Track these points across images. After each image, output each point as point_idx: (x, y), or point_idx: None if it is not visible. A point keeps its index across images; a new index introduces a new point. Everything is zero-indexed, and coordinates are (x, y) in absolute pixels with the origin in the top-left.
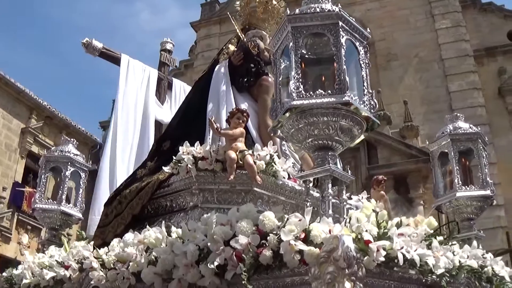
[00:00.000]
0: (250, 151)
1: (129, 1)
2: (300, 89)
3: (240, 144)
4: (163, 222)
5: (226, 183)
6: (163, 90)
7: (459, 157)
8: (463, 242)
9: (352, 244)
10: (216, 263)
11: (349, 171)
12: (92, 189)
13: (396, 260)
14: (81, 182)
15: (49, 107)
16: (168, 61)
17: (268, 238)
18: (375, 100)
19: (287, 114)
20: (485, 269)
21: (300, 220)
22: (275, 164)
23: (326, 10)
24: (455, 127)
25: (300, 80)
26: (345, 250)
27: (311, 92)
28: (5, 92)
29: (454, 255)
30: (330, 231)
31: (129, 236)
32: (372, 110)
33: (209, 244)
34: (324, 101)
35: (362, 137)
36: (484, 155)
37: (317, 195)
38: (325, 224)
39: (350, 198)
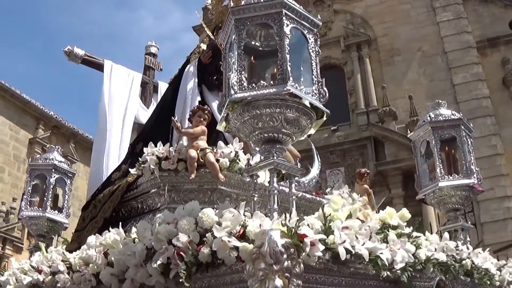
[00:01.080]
0: (213, 149)
1: (133, 7)
2: (243, 82)
3: (202, 142)
4: (134, 224)
5: (189, 182)
6: (148, 93)
7: (442, 146)
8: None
9: (280, 239)
10: (159, 262)
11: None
12: None
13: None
14: (66, 188)
15: (56, 117)
16: (153, 64)
17: (206, 235)
18: (324, 89)
19: (231, 108)
20: (463, 262)
21: (234, 215)
22: (240, 161)
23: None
24: (436, 114)
25: (243, 72)
26: (271, 245)
27: (253, 84)
28: (11, 103)
29: (419, 248)
30: (260, 226)
31: (92, 238)
32: (322, 99)
33: (153, 243)
34: (265, 92)
35: (317, 127)
36: (469, 142)
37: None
38: (257, 218)
39: (331, 193)
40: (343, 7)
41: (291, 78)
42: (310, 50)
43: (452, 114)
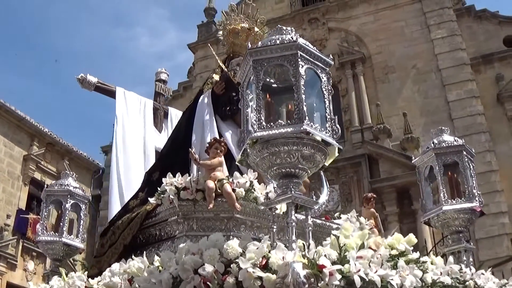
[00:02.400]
0: (230, 179)
1: (129, 25)
2: (261, 121)
3: (219, 173)
4: (152, 250)
5: (207, 211)
6: (159, 119)
7: (445, 170)
8: (453, 255)
9: (302, 270)
10: None
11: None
12: (95, 214)
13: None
14: (81, 214)
15: (51, 134)
16: (163, 90)
17: (231, 266)
18: (337, 126)
19: (250, 145)
20: (467, 283)
21: (257, 248)
22: (255, 190)
23: (286, 41)
24: (440, 140)
25: (261, 111)
26: (294, 277)
27: (271, 123)
28: (6, 120)
29: (426, 272)
30: (283, 258)
31: (116, 265)
32: (335, 136)
33: (179, 272)
34: (283, 131)
35: (330, 160)
36: (471, 167)
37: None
38: (280, 251)
39: (339, 217)
40: (337, 25)
41: (307, 118)
42: (323, 89)
43: (455, 140)
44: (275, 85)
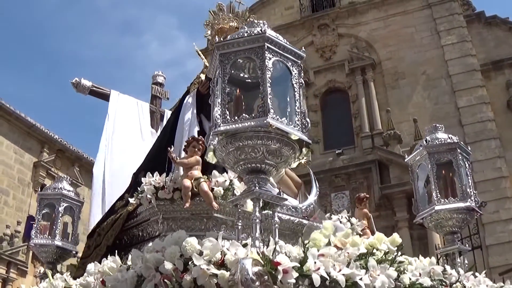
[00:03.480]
0: (207, 178)
1: (138, 33)
2: (226, 115)
3: (196, 172)
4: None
5: (184, 211)
6: (155, 122)
7: (439, 169)
8: (446, 257)
9: (251, 267)
10: None
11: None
12: None
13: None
14: (75, 217)
15: (61, 140)
16: (160, 93)
17: (189, 263)
18: (307, 120)
19: (216, 140)
20: (453, 286)
21: (212, 244)
22: (234, 189)
23: (254, 34)
24: (433, 138)
25: (226, 106)
26: (243, 273)
27: (235, 117)
28: (16, 126)
29: (402, 273)
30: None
31: (91, 266)
32: (304, 130)
33: (142, 270)
34: (246, 125)
35: (305, 156)
36: (467, 165)
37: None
38: (233, 248)
39: (330, 218)
40: (347, 31)
41: (271, 111)
42: (294, 82)
43: (449, 137)
44: (248, 80)
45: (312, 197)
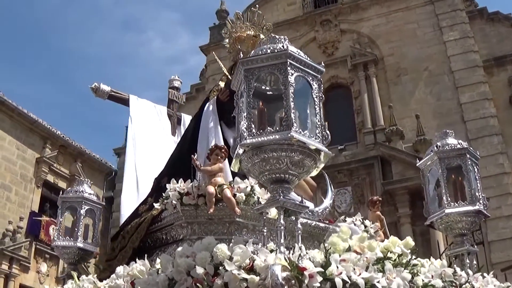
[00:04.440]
0: (231, 184)
1: (141, 30)
2: (252, 128)
3: (220, 179)
4: (159, 254)
5: (208, 215)
6: (173, 126)
7: (449, 173)
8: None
9: (280, 272)
10: None
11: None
12: (108, 216)
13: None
14: (96, 219)
15: (63, 136)
16: (177, 98)
17: (220, 268)
18: (327, 132)
19: (241, 151)
20: (463, 286)
21: (243, 250)
22: (255, 195)
23: (276, 50)
24: (443, 144)
25: (252, 119)
26: (273, 278)
27: (261, 130)
28: (18, 122)
29: (416, 275)
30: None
31: (120, 268)
32: (324, 142)
33: (174, 274)
34: (271, 138)
35: (322, 165)
36: (476, 170)
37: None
38: (263, 254)
39: (344, 221)
40: (350, 26)
41: (295, 125)
42: (314, 96)
43: (459, 143)
44: (270, 93)
45: (328, 201)
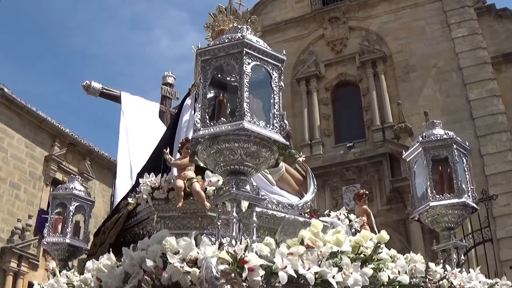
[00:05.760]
0: (201, 178)
1: (148, 28)
2: (206, 119)
3: (190, 173)
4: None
5: (179, 209)
6: (165, 122)
7: (436, 165)
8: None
9: (215, 265)
10: (131, 285)
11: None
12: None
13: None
14: (86, 215)
15: (72, 134)
16: (169, 94)
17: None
18: (285, 122)
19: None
20: (440, 283)
21: (186, 243)
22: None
23: (234, 39)
24: (429, 134)
25: (206, 110)
26: (207, 271)
27: (213, 121)
28: (27, 121)
29: (381, 271)
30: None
31: (89, 263)
32: (282, 132)
33: (128, 267)
34: (223, 129)
35: (289, 157)
36: (464, 161)
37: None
38: (203, 246)
39: (328, 215)
40: (358, 24)
41: (247, 115)
42: (273, 85)
43: (445, 133)
44: (234, 83)
45: (309, 195)
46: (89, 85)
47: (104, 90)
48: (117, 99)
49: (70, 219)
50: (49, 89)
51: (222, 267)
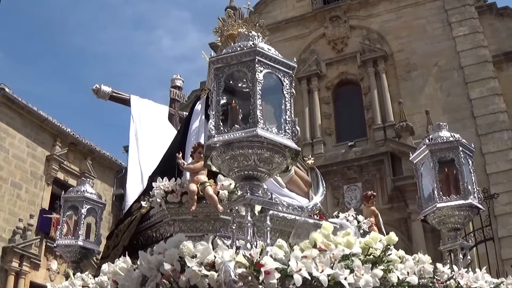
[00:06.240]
0: (213, 182)
1: (149, 28)
2: (220, 126)
3: (202, 177)
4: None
5: (192, 213)
6: (175, 124)
7: (443, 167)
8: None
9: (234, 269)
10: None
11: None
12: (118, 214)
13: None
14: (97, 218)
15: (73, 134)
16: (178, 97)
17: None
18: (297, 128)
19: (210, 150)
20: (447, 283)
21: (204, 247)
22: (238, 192)
23: (246, 48)
24: (435, 136)
25: (220, 117)
26: (226, 275)
27: (228, 128)
28: (28, 120)
29: (390, 272)
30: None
31: (105, 266)
32: (294, 138)
33: (145, 271)
34: (237, 136)
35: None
36: (470, 163)
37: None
38: (220, 250)
39: (337, 216)
40: (359, 22)
41: (261, 122)
42: (285, 92)
43: (451, 136)
44: (246, 90)
45: (318, 197)
46: (99, 89)
47: (114, 94)
48: (126, 102)
49: (82, 222)
50: (50, 88)
51: (239, 270)
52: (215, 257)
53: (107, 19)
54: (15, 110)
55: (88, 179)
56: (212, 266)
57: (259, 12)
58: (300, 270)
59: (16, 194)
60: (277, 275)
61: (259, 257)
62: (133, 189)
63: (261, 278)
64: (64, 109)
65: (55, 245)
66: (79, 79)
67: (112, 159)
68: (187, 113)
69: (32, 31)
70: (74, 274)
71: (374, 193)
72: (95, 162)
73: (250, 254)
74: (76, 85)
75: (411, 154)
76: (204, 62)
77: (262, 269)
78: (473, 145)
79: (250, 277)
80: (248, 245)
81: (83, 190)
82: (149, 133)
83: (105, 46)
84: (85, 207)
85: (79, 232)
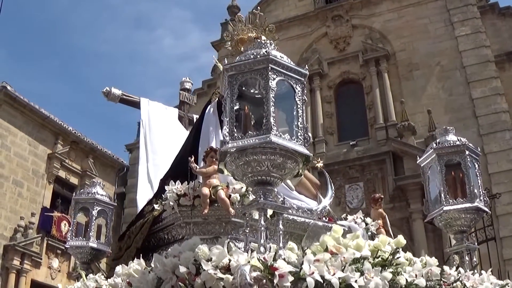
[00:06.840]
0: (225, 186)
1: (151, 27)
2: (234, 132)
3: (215, 180)
4: (161, 253)
5: (204, 216)
6: (184, 127)
7: (449, 170)
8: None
9: (249, 272)
10: None
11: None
12: (119, 212)
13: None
14: (108, 219)
15: (75, 132)
16: (188, 99)
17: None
18: (309, 134)
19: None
20: (454, 285)
21: (219, 251)
22: (250, 195)
23: (259, 56)
24: (442, 140)
25: (234, 124)
26: (242, 278)
27: (241, 134)
28: (30, 118)
29: (399, 274)
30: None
31: (119, 268)
32: (306, 144)
33: (160, 273)
34: (251, 142)
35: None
36: (476, 166)
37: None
38: (236, 254)
39: (345, 219)
40: (361, 22)
41: (274, 129)
42: (297, 99)
43: (458, 140)
44: (259, 96)
45: (327, 200)
46: (109, 92)
47: (124, 96)
48: (136, 105)
49: (93, 223)
50: (52, 87)
51: (254, 274)
52: (230, 260)
53: (109, 19)
54: (17, 109)
55: (99, 181)
56: (227, 269)
57: (261, 11)
58: (313, 273)
59: (17, 192)
60: (291, 278)
61: (273, 261)
62: (144, 193)
63: (275, 281)
64: (66, 107)
65: (67, 245)
66: (81, 78)
67: (113, 157)
68: (196, 116)
69: (34, 30)
70: (86, 276)
71: (382, 196)
72: (97, 160)
73: (264, 258)
74: (78, 84)
75: (413, 154)
76: (206, 61)
77: (276, 273)
78: (479, 149)
79: (264, 280)
80: (262, 249)
81: (94, 192)
82: (159, 136)
83: (106, 46)
84: (96, 209)
85: (90, 234)
